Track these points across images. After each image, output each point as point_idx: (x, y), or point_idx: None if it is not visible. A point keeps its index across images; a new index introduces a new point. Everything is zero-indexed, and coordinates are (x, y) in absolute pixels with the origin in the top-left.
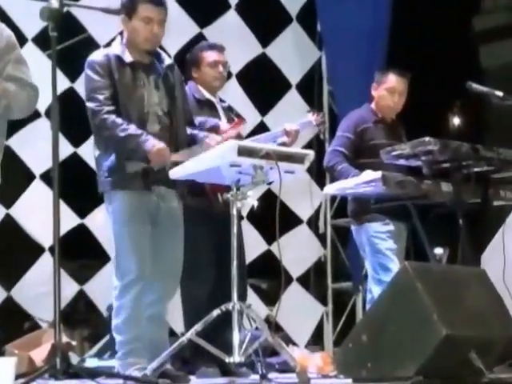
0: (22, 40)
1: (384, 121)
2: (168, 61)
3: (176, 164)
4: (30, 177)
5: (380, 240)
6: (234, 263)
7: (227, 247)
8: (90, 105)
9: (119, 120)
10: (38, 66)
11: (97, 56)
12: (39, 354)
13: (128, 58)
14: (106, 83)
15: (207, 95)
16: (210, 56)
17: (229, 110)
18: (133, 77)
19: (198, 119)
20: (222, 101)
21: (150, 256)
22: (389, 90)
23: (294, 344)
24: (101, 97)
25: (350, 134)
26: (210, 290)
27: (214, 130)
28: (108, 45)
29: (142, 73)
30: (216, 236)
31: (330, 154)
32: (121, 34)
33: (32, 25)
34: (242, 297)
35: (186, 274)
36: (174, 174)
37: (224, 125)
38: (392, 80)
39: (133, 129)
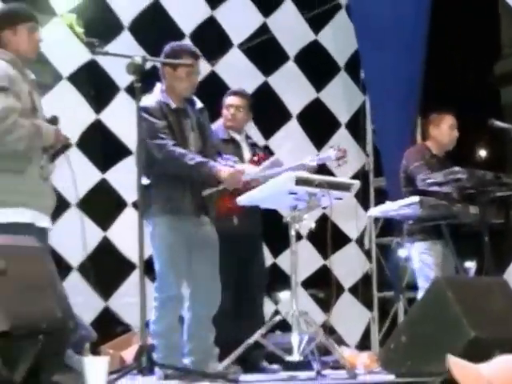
0: (116, 89)
1: (436, 156)
2: (199, 105)
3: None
4: (123, 205)
5: (427, 256)
6: (293, 277)
7: (245, 267)
8: (155, 142)
9: (185, 150)
10: (130, 112)
11: (150, 102)
12: (129, 354)
13: (173, 104)
14: (164, 124)
15: (232, 134)
16: (227, 100)
17: (254, 146)
18: (178, 121)
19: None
20: (248, 137)
21: (187, 275)
22: (450, 127)
23: (346, 345)
24: (163, 135)
25: (423, 162)
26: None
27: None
28: None
29: (182, 117)
30: (234, 257)
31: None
32: (159, 81)
33: (124, 76)
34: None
35: None
36: (242, 200)
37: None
38: (451, 118)
39: (199, 157)
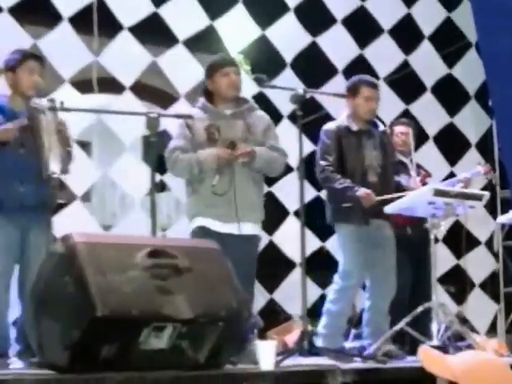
0: (279, 117)
1: None
2: (381, 127)
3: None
4: (286, 213)
5: None
6: (433, 274)
7: (421, 265)
8: (321, 162)
9: (338, 176)
10: (292, 135)
11: (330, 126)
12: (291, 338)
13: (354, 127)
14: (333, 146)
15: (400, 157)
16: (397, 128)
17: (418, 167)
18: (357, 141)
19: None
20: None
21: (369, 269)
22: None
23: (476, 333)
24: (330, 158)
25: None
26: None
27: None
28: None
29: (364, 137)
30: (412, 257)
31: None
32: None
33: (286, 105)
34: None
35: None
36: (388, 209)
37: (414, 179)
38: None
39: (348, 182)
